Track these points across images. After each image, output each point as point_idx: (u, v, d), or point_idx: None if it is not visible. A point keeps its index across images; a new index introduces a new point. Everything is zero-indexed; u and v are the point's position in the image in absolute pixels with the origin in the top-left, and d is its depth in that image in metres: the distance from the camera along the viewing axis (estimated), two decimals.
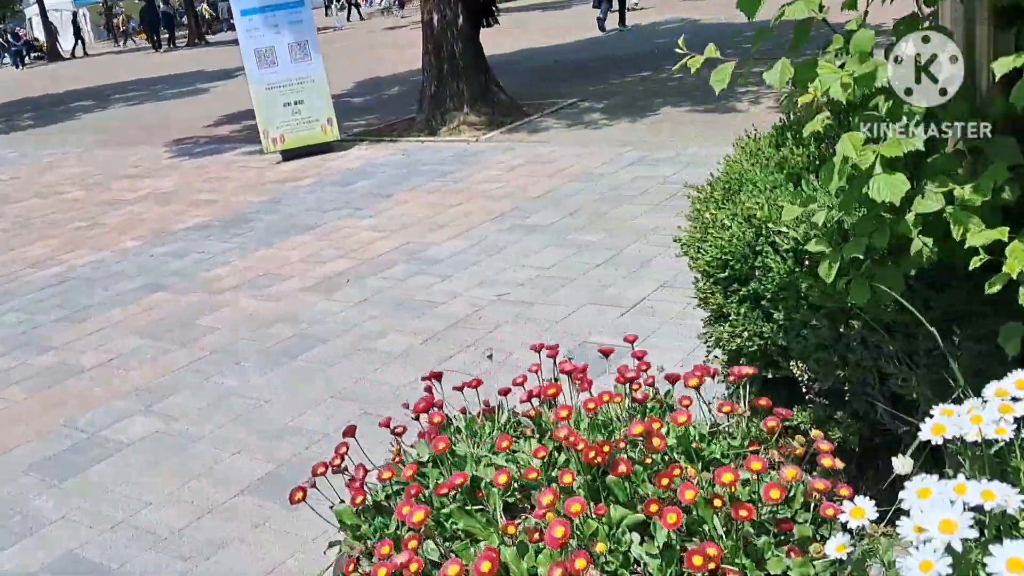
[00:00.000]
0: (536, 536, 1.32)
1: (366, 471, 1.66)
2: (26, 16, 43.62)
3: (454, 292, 5.08)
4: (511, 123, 9.78)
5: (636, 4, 21.48)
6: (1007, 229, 1.42)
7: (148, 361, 4.66)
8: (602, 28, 18.11)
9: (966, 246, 1.43)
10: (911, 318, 1.83)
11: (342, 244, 6.26)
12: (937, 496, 0.97)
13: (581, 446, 1.44)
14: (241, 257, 6.29)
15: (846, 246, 1.55)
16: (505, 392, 1.85)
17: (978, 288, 1.57)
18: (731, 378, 1.68)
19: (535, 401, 1.73)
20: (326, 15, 33.73)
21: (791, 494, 1.40)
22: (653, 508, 1.31)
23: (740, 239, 2.10)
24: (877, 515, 1.02)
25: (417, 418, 1.79)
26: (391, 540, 1.41)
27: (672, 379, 1.76)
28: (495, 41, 11.21)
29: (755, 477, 1.38)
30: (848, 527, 1.02)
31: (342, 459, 1.70)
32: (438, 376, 1.92)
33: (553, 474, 1.50)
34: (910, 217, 1.49)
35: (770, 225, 2.04)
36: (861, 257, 1.54)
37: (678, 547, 1.32)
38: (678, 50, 1.60)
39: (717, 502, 1.35)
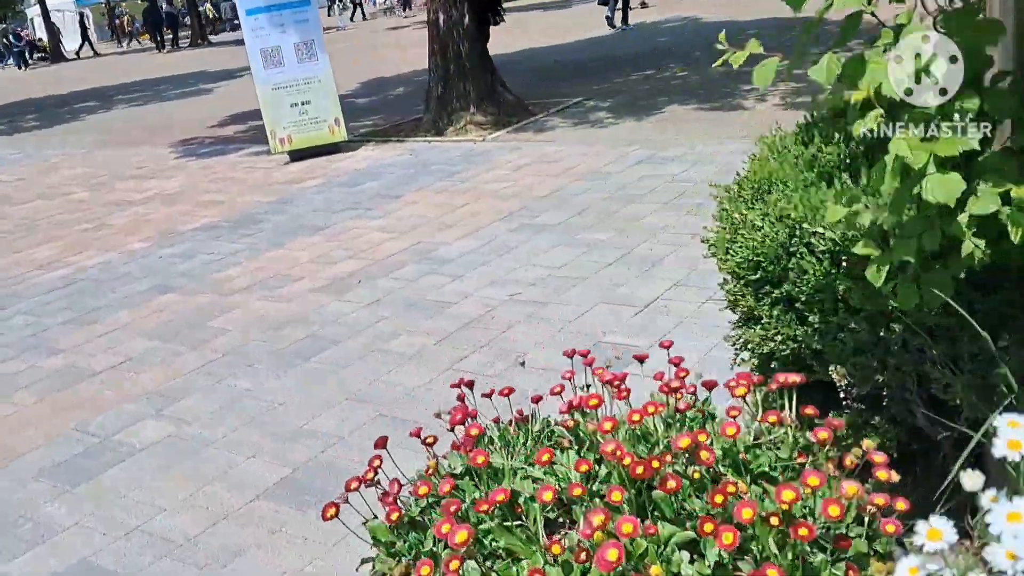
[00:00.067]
0: (583, 556, 1.27)
1: (400, 486, 1.60)
2: (28, 16, 43.62)
3: (465, 292, 5.03)
4: (517, 123, 9.72)
5: (644, 3, 21.40)
6: None
7: (159, 364, 4.61)
8: (612, 25, 18.04)
9: None
10: (954, 321, 1.78)
11: (352, 245, 6.21)
12: None
13: (628, 461, 1.38)
14: (250, 258, 6.24)
15: (895, 248, 1.50)
16: (537, 400, 1.80)
17: None
18: (773, 385, 1.63)
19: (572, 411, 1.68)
20: (328, 15, 33.68)
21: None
22: (708, 527, 1.26)
23: (773, 240, 2.05)
24: (957, 537, 0.97)
25: (452, 430, 1.73)
26: (430, 559, 1.36)
27: (709, 386, 1.71)
28: (496, 41, 11.13)
29: (809, 491, 1.33)
30: (924, 549, 0.96)
31: (375, 472, 1.65)
32: (470, 384, 1.86)
33: (594, 488, 1.44)
34: (963, 218, 1.44)
35: (805, 226, 1.99)
36: (912, 260, 1.49)
37: (730, 566, 1.27)
38: (719, 45, 1.54)
39: (774, 520, 1.30)
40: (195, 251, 6.61)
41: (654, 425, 1.61)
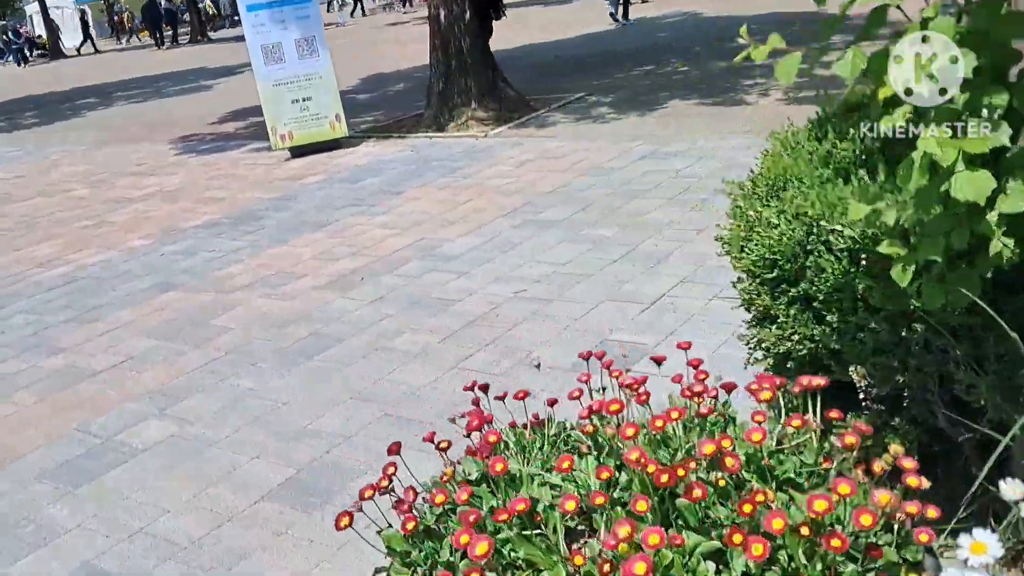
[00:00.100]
0: (607, 568, 1.23)
1: (416, 494, 1.56)
2: (27, 13, 43.51)
3: (470, 289, 4.99)
4: (519, 118, 9.67)
5: None
6: None
7: (161, 362, 4.57)
8: (615, 20, 18.00)
9: None
10: (979, 321, 1.74)
11: (355, 241, 6.17)
12: None
13: (652, 468, 1.34)
14: (252, 255, 6.20)
15: (921, 247, 1.46)
16: (552, 403, 1.76)
17: None
18: (796, 388, 1.59)
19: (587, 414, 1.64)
20: (328, 11, 33.59)
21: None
22: (737, 538, 1.22)
23: (790, 238, 2.01)
24: (1003, 552, 0.93)
25: (468, 436, 1.69)
26: (448, 571, 1.32)
27: (728, 388, 1.67)
28: (497, 36, 11.08)
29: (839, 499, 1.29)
30: (968, 563, 0.92)
31: (390, 480, 1.61)
32: (484, 388, 1.82)
33: (615, 495, 1.40)
34: (992, 216, 1.40)
35: (823, 223, 1.95)
36: (939, 260, 1.44)
37: None
38: (740, 39, 1.50)
39: (804, 530, 1.26)
40: (197, 248, 6.57)
41: (673, 429, 1.57)
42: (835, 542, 1.21)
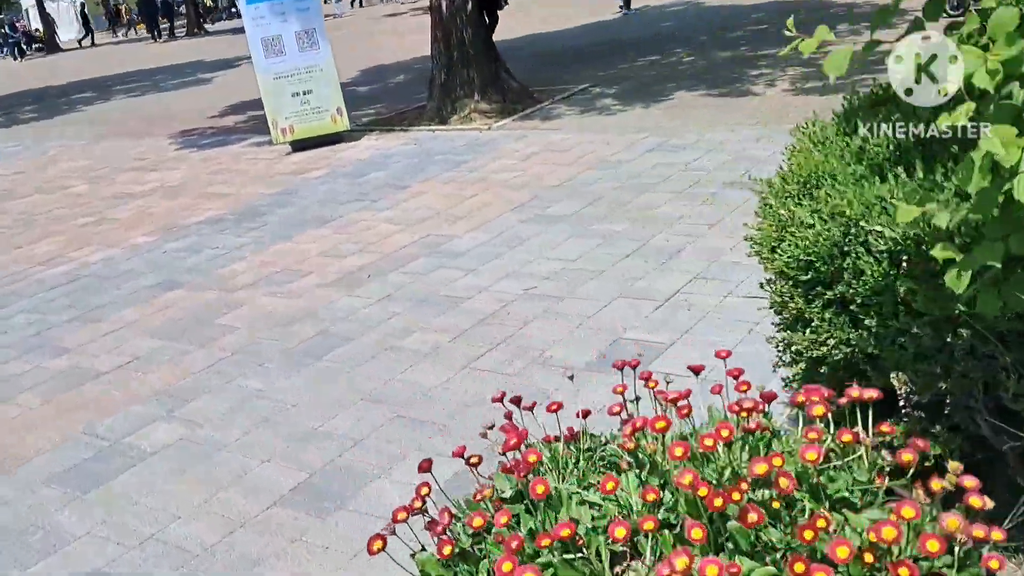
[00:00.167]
0: None
1: (452, 516, 1.50)
2: (22, 7, 43.25)
3: (479, 287, 4.92)
4: (523, 110, 9.58)
5: None
6: None
7: (167, 363, 4.50)
8: (623, 9, 17.92)
9: None
10: None
11: (360, 238, 6.09)
12: None
13: (704, 491, 1.28)
14: (257, 252, 6.12)
15: (978, 251, 1.39)
16: (586, 414, 1.69)
17: None
18: (844, 400, 1.52)
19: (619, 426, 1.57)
20: (325, 1, 33.39)
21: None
22: (799, 567, 1.16)
23: (826, 238, 1.94)
24: None
25: (504, 454, 1.62)
26: None
27: (769, 398, 1.60)
28: (499, 27, 10.98)
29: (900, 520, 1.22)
30: None
31: (423, 502, 1.54)
32: (517, 401, 1.74)
33: (660, 515, 1.34)
34: None
35: (862, 223, 1.87)
36: (998, 265, 1.37)
37: None
38: (787, 32, 1.43)
39: (867, 556, 1.19)
40: (200, 245, 6.49)
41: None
42: (903, 571, 1.15)
